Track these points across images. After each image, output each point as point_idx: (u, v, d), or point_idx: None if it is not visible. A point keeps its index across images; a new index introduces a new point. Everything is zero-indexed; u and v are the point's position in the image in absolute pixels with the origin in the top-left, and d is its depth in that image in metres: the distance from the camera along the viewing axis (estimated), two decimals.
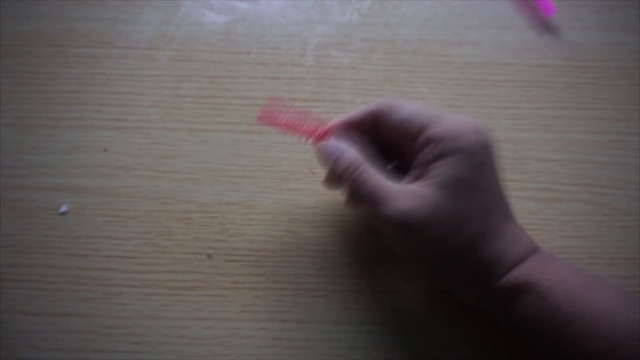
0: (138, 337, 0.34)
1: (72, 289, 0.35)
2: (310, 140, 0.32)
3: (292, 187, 0.38)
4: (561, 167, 0.39)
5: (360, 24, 0.44)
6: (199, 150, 0.39)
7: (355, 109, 0.31)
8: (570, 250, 0.37)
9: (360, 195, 0.29)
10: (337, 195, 0.38)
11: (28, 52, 0.42)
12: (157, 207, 0.37)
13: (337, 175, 0.30)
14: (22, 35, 0.42)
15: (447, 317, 0.35)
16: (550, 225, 0.37)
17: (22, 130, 0.39)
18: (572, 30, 0.44)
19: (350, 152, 0.30)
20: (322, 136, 0.31)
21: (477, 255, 0.28)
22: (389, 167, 0.32)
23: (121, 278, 0.35)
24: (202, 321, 0.34)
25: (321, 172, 0.38)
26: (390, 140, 0.31)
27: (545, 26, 0.44)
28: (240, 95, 0.41)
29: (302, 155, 0.39)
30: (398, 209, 0.27)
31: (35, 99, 0.40)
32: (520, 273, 0.27)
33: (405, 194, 0.28)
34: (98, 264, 0.35)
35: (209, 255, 0.36)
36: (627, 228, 0.37)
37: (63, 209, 0.36)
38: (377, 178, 0.28)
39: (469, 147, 0.27)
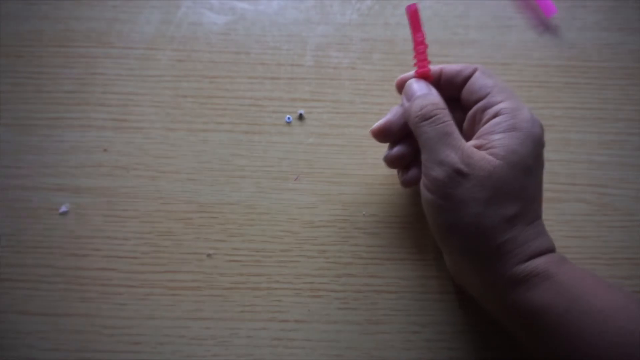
0: (138, 337, 0.34)
1: (72, 289, 0.35)
2: (414, 65, 0.33)
3: (292, 187, 0.38)
4: (561, 167, 0.39)
5: (360, 24, 0.44)
6: (199, 150, 0.39)
7: (451, 65, 0.33)
8: (570, 250, 0.37)
9: (435, 134, 0.29)
10: (337, 195, 0.38)
11: (28, 52, 0.42)
12: (157, 207, 0.37)
13: (417, 113, 0.31)
14: (22, 35, 0.42)
15: (448, 316, 0.35)
16: (550, 225, 0.37)
17: (22, 130, 0.39)
18: (572, 30, 0.44)
19: (436, 95, 0.31)
20: (423, 73, 0.33)
21: (506, 234, 0.28)
22: None
23: (121, 278, 0.35)
24: (202, 321, 0.34)
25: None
26: (460, 102, 0.33)
27: (545, 26, 0.44)
28: (240, 95, 0.41)
29: (302, 156, 0.39)
30: (459, 163, 0.28)
31: (35, 99, 0.40)
32: (541, 262, 0.28)
33: (470, 156, 0.29)
34: (98, 264, 0.36)
35: (209, 255, 0.36)
36: (627, 228, 0.37)
37: (63, 209, 0.36)
38: (452, 125, 0.30)
39: (537, 135, 0.29)
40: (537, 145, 0.29)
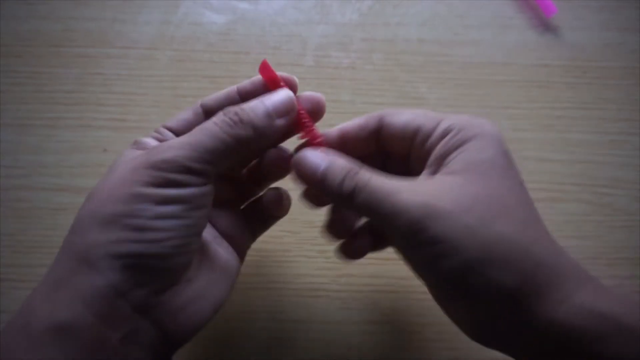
0: None
1: None
2: (300, 135, 0.27)
3: (292, 187, 0.38)
4: (561, 167, 0.39)
5: (360, 24, 0.44)
6: None
7: (350, 121, 0.27)
8: (570, 250, 0.37)
9: (362, 201, 0.22)
10: None
11: (28, 52, 0.42)
12: None
13: (330, 189, 0.24)
14: (22, 35, 0.42)
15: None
16: (550, 225, 0.37)
17: (22, 130, 0.39)
18: (572, 30, 0.44)
19: (341, 159, 0.24)
20: (314, 140, 0.26)
21: (524, 258, 0.21)
22: None
23: None
24: None
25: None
26: (392, 150, 0.27)
27: (545, 26, 0.44)
28: None
29: None
30: (416, 200, 0.21)
31: (35, 99, 0.40)
32: (588, 300, 0.20)
33: (423, 186, 0.23)
34: None
35: None
36: (627, 228, 0.37)
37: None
38: (381, 177, 0.23)
39: (494, 133, 0.24)
40: (501, 142, 0.24)
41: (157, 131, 0.27)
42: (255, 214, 0.29)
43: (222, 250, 0.27)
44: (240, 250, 0.28)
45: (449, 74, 0.42)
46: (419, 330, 0.34)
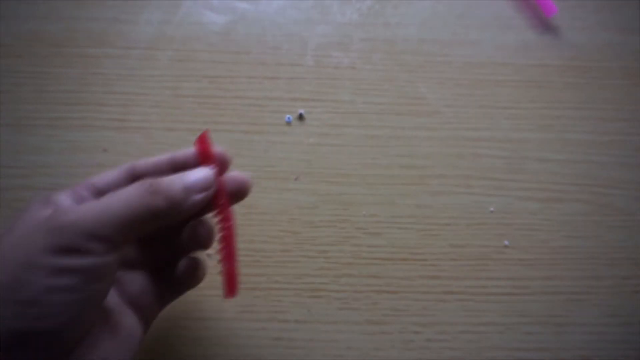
0: None
1: None
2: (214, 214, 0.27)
3: (292, 187, 0.38)
4: (561, 167, 0.39)
5: (360, 24, 0.44)
6: None
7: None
8: (570, 250, 0.37)
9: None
10: (337, 195, 0.38)
11: (28, 52, 0.42)
12: None
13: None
14: (22, 35, 0.42)
15: (448, 317, 0.35)
16: (550, 225, 0.37)
17: (22, 130, 0.39)
18: (572, 30, 0.44)
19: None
20: (225, 223, 0.26)
21: None
22: None
23: None
24: (202, 321, 0.34)
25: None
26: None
27: (545, 26, 0.44)
28: (240, 95, 0.41)
29: (302, 156, 0.39)
30: None
31: (35, 99, 0.40)
32: None
33: None
34: None
35: (208, 255, 0.36)
36: (627, 228, 0.37)
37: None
38: None
39: None
40: None
41: (79, 187, 0.25)
42: (166, 280, 0.28)
43: (126, 318, 0.25)
44: (146, 318, 0.26)
45: (449, 74, 0.42)
46: (419, 331, 0.34)
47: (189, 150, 0.27)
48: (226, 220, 0.26)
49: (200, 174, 0.25)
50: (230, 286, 0.27)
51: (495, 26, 0.44)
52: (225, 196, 0.26)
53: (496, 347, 0.34)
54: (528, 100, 0.41)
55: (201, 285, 0.35)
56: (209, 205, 0.26)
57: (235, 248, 0.27)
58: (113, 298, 0.25)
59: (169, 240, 0.28)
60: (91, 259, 0.20)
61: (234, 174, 0.27)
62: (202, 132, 0.27)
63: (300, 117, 0.40)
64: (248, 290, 0.35)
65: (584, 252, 0.37)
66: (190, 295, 0.35)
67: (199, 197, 0.24)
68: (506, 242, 0.37)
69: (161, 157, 0.27)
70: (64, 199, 0.24)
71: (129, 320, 0.25)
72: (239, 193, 0.27)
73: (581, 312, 0.35)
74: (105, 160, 0.38)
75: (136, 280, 0.26)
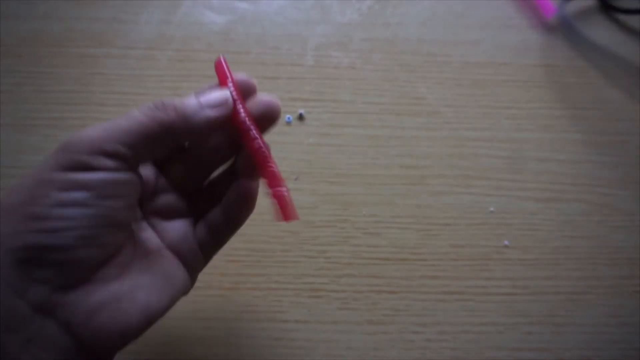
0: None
1: None
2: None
3: (292, 187, 0.38)
4: (561, 167, 0.39)
5: (360, 24, 0.44)
6: None
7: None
8: (570, 250, 0.37)
9: None
10: (337, 195, 0.38)
11: (28, 52, 0.42)
12: None
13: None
14: (22, 35, 0.42)
15: (448, 316, 0.35)
16: (550, 225, 0.37)
17: (22, 130, 0.39)
18: (572, 30, 0.44)
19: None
20: (250, 142, 0.25)
21: None
22: None
23: None
24: (202, 321, 0.34)
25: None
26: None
27: (545, 26, 0.44)
28: None
29: (302, 156, 0.39)
30: None
31: (35, 99, 0.40)
32: None
33: None
34: None
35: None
36: (627, 228, 0.37)
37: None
38: None
39: None
40: None
41: None
42: (206, 229, 0.27)
43: (167, 260, 0.24)
44: (190, 267, 0.26)
45: (449, 74, 0.42)
46: (419, 331, 0.34)
47: (213, 83, 0.26)
48: (258, 144, 0.24)
49: (216, 90, 0.24)
50: (286, 209, 0.25)
51: (495, 26, 0.44)
52: (252, 120, 0.24)
53: (496, 347, 0.34)
54: (528, 100, 0.41)
55: (201, 285, 0.35)
56: (234, 132, 0.24)
57: (276, 169, 0.25)
58: (154, 241, 0.25)
59: (208, 189, 0.28)
60: (101, 174, 0.20)
61: (260, 96, 0.25)
62: (218, 56, 0.25)
63: (300, 117, 0.40)
64: (248, 290, 0.35)
65: (584, 252, 0.37)
66: (190, 295, 0.35)
67: (212, 112, 0.23)
68: (506, 242, 0.37)
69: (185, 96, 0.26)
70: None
71: (169, 264, 0.24)
72: (267, 116, 0.25)
73: (581, 312, 0.35)
74: None
75: (177, 228, 0.26)
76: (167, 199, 0.25)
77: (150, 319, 0.22)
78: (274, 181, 0.25)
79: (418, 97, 0.41)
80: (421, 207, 0.38)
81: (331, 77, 0.42)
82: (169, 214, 0.26)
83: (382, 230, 0.37)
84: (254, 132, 0.24)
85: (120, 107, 0.40)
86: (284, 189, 0.25)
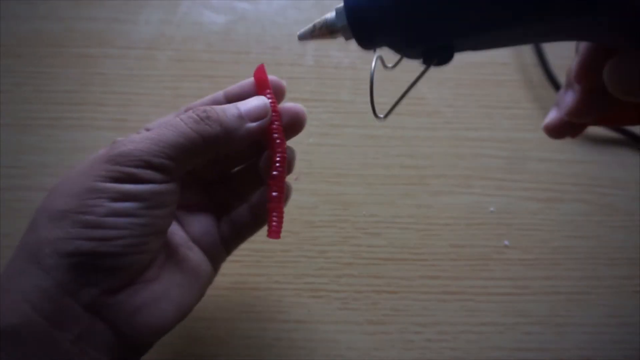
0: None
1: None
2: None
3: (292, 187, 0.38)
4: (561, 167, 0.39)
5: None
6: None
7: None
8: (570, 250, 0.37)
9: None
10: (337, 195, 0.38)
11: (28, 52, 0.42)
12: None
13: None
14: (22, 35, 0.42)
15: (448, 316, 0.35)
16: (550, 225, 0.37)
17: (22, 130, 0.39)
18: None
19: None
20: (278, 154, 0.26)
21: None
22: None
23: None
24: (202, 321, 0.34)
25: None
26: None
27: None
28: None
29: (302, 156, 0.39)
30: None
31: (35, 99, 0.40)
32: None
33: None
34: None
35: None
36: (627, 228, 0.37)
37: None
38: None
39: None
40: None
41: (137, 132, 0.26)
42: (228, 223, 0.28)
43: (193, 254, 0.26)
44: (213, 259, 0.27)
45: (449, 74, 0.42)
46: (419, 331, 0.34)
47: (243, 82, 0.26)
48: (280, 153, 0.25)
49: (256, 101, 0.24)
50: (276, 225, 0.26)
51: None
52: (280, 128, 0.25)
53: (496, 347, 0.34)
54: (528, 100, 0.41)
55: None
56: (260, 140, 0.25)
57: (285, 184, 0.26)
58: (179, 234, 0.26)
59: (230, 183, 0.29)
60: (149, 186, 0.21)
61: (288, 104, 0.26)
62: (260, 65, 0.26)
63: None
64: (248, 290, 0.35)
65: (584, 252, 0.37)
66: None
67: (254, 125, 0.24)
68: (506, 242, 0.37)
69: (214, 94, 0.26)
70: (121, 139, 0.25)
71: (195, 257, 0.25)
72: (294, 125, 0.26)
73: (581, 312, 0.35)
74: None
75: (200, 221, 0.27)
76: (191, 192, 0.26)
77: (183, 314, 0.24)
78: (278, 203, 0.26)
79: (418, 97, 0.41)
80: (421, 207, 0.38)
81: (331, 77, 0.42)
82: (192, 207, 0.27)
83: (382, 230, 0.37)
84: (280, 142, 0.25)
85: (120, 107, 0.40)
86: (281, 211, 0.26)
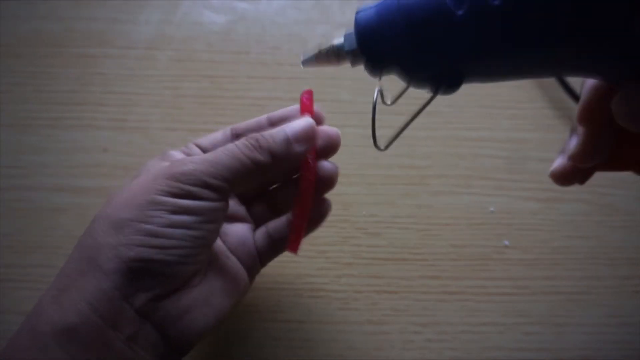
0: None
1: None
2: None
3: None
4: None
5: None
6: None
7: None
8: (570, 250, 0.37)
9: None
10: (337, 195, 0.38)
11: (28, 52, 0.42)
12: None
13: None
14: (22, 35, 0.42)
15: (448, 317, 0.35)
16: (550, 225, 0.37)
17: (22, 130, 0.39)
18: None
19: None
20: (308, 178, 0.27)
21: None
22: None
23: None
24: None
25: None
26: None
27: None
28: (240, 95, 0.41)
29: None
30: None
31: (35, 99, 0.40)
32: None
33: None
34: None
35: None
36: (627, 228, 0.37)
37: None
38: None
39: None
40: None
41: (186, 146, 0.29)
42: (263, 237, 0.29)
43: (231, 263, 0.27)
44: (249, 269, 0.28)
45: None
46: (419, 331, 0.34)
47: (287, 108, 0.29)
48: (311, 174, 0.27)
49: (303, 123, 0.26)
50: (296, 240, 0.28)
51: None
52: (314, 150, 0.27)
53: (496, 347, 0.34)
54: (528, 100, 0.41)
55: None
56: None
57: (311, 202, 0.27)
58: (218, 244, 0.27)
59: (267, 199, 0.30)
60: (205, 203, 0.23)
61: (325, 128, 0.28)
62: (308, 89, 0.28)
63: None
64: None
65: (584, 252, 0.37)
66: None
67: (299, 148, 0.26)
68: (506, 242, 0.37)
69: (259, 118, 0.29)
70: (177, 154, 0.28)
71: (234, 265, 0.27)
72: (330, 147, 0.28)
73: (581, 312, 0.35)
74: (105, 160, 0.38)
75: (237, 232, 0.28)
76: (230, 203, 0.27)
77: (222, 319, 0.25)
78: (300, 220, 0.27)
79: (418, 97, 0.41)
80: (421, 207, 0.38)
81: (331, 77, 0.42)
82: (230, 218, 0.28)
83: (382, 230, 0.37)
84: (310, 164, 0.27)
85: (120, 107, 0.40)
86: (301, 228, 0.28)
